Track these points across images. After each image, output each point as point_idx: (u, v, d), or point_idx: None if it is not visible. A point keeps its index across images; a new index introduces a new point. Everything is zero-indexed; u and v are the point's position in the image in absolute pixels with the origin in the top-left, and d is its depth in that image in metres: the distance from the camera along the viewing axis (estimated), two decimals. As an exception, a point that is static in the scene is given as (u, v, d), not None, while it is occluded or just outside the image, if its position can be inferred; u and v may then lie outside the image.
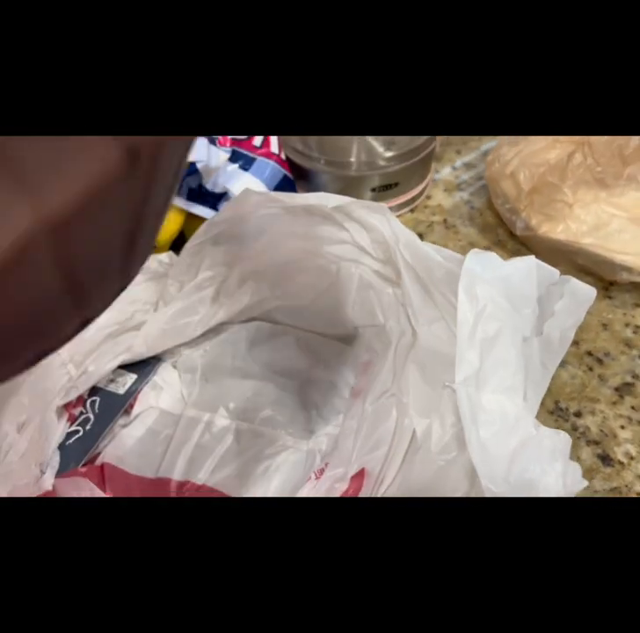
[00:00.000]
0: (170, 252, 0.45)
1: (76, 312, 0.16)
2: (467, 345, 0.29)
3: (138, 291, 0.43)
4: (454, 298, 0.31)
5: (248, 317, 0.46)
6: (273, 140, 0.50)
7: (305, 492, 0.35)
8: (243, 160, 0.48)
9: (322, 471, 0.36)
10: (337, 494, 0.33)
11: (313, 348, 0.43)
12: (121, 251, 0.16)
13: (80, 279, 0.14)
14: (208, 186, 0.47)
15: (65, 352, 0.41)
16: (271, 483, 0.38)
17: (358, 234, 0.38)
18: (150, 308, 0.43)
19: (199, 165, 0.45)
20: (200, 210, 0.48)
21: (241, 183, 0.47)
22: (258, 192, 0.38)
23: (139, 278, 0.43)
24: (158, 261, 0.44)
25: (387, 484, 0.33)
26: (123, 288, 0.17)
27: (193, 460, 0.40)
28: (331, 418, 0.40)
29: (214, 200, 0.48)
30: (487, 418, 0.28)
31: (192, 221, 0.47)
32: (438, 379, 0.34)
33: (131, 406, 0.43)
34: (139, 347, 0.43)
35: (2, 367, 0.15)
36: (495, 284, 0.31)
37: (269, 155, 0.49)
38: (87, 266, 0.14)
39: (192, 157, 0.45)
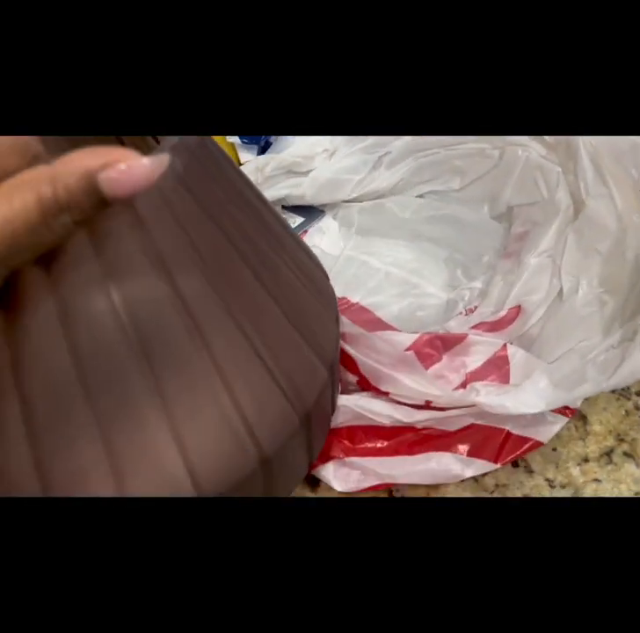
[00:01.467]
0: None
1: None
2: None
3: (321, 139, 0.49)
4: (635, 171, 0.36)
5: (402, 191, 0.52)
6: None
7: (453, 324, 0.41)
8: None
9: (472, 310, 0.42)
10: (487, 323, 0.39)
11: (463, 224, 0.49)
12: None
13: None
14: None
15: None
16: (414, 319, 0.45)
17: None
18: (328, 156, 0.49)
19: None
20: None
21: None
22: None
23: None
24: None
25: (533, 322, 0.39)
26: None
27: (348, 284, 0.46)
28: (477, 276, 0.46)
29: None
30: None
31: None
32: (592, 248, 0.39)
33: (298, 241, 0.49)
34: (306, 189, 0.49)
35: None
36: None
37: None
38: None
39: None
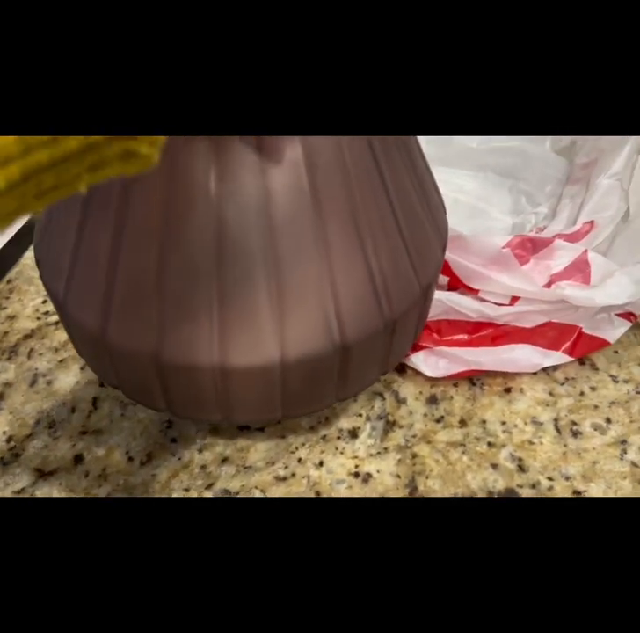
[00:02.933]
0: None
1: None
2: None
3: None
4: None
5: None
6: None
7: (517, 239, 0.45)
8: None
9: (541, 229, 0.46)
10: (563, 235, 0.42)
11: (527, 156, 0.53)
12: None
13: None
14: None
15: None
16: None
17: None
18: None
19: None
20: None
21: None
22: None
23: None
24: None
25: (603, 236, 0.43)
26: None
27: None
28: (542, 203, 0.49)
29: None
30: None
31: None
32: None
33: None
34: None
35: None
36: None
37: None
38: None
39: None
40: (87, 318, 0.27)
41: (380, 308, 0.27)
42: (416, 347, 0.39)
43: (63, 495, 0.34)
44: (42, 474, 0.35)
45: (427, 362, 0.39)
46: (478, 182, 0.53)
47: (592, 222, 0.42)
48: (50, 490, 0.34)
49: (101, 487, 0.35)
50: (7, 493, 0.34)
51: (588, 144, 0.49)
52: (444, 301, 0.38)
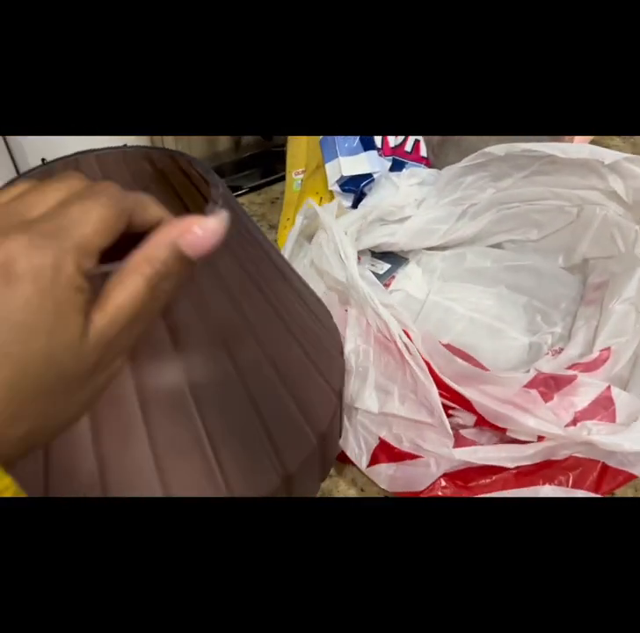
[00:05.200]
0: (434, 170, 0.55)
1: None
2: None
3: (410, 190, 0.53)
4: None
5: (481, 240, 0.56)
6: (421, 145, 0.58)
7: (542, 364, 0.46)
8: (397, 166, 0.57)
9: (557, 352, 0.47)
10: (582, 364, 0.43)
11: (540, 273, 0.54)
12: None
13: None
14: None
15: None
16: (501, 361, 0.49)
17: (614, 182, 0.48)
18: (415, 205, 0.54)
19: (375, 175, 0.54)
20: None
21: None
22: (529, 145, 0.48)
23: (412, 180, 0.54)
24: (427, 172, 0.54)
25: (622, 364, 0.43)
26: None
27: (437, 328, 0.51)
28: (557, 322, 0.50)
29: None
30: None
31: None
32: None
33: (387, 285, 0.54)
34: (399, 237, 0.53)
35: None
36: None
37: (419, 159, 0.58)
38: None
39: (370, 169, 0.54)
40: None
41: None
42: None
43: None
44: None
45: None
46: (493, 299, 0.53)
47: (609, 349, 0.42)
48: None
49: None
50: None
51: (599, 264, 0.51)
52: (473, 462, 0.38)
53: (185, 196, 0.31)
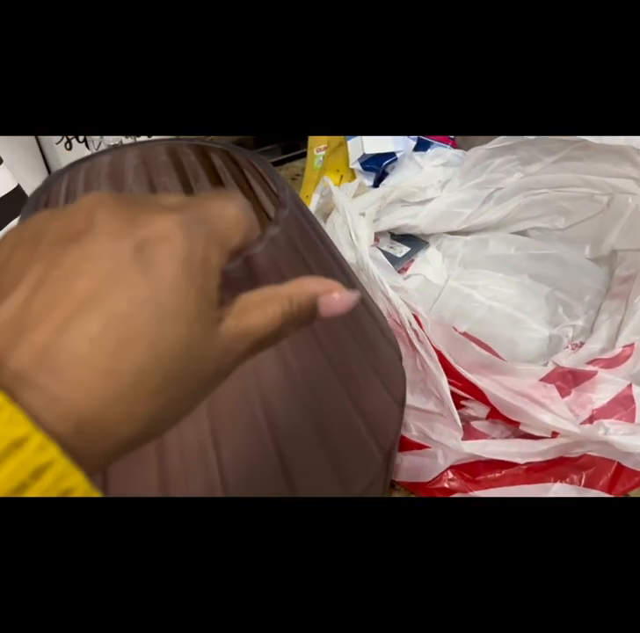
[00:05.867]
0: (460, 151, 0.53)
1: None
2: None
3: (434, 171, 0.51)
4: None
5: (506, 226, 0.54)
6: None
7: (561, 357, 0.44)
8: (422, 146, 0.54)
9: (578, 345, 0.45)
10: (603, 360, 0.41)
11: (565, 264, 0.52)
12: None
13: None
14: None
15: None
16: (519, 352, 0.47)
17: (648, 170, 0.46)
18: (439, 187, 0.52)
19: (398, 155, 0.52)
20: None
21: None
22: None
23: (436, 161, 0.52)
24: (453, 153, 0.52)
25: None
26: None
27: (455, 314, 0.49)
28: (579, 315, 0.48)
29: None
30: None
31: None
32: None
33: (405, 269, 0.52)
34: (421, 219, 0.52)
35: None
36: None
37: (445, 139, 0.56)
38: None
39: (394, 148, 0.51)
40: None
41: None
42: (447, 492, 0.38)
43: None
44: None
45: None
46: (515, 288, 0.52)
47: (632, 346, 0.40)
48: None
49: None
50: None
51: (628, 257, 0.49)
52: (481, 455, 0.37)
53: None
